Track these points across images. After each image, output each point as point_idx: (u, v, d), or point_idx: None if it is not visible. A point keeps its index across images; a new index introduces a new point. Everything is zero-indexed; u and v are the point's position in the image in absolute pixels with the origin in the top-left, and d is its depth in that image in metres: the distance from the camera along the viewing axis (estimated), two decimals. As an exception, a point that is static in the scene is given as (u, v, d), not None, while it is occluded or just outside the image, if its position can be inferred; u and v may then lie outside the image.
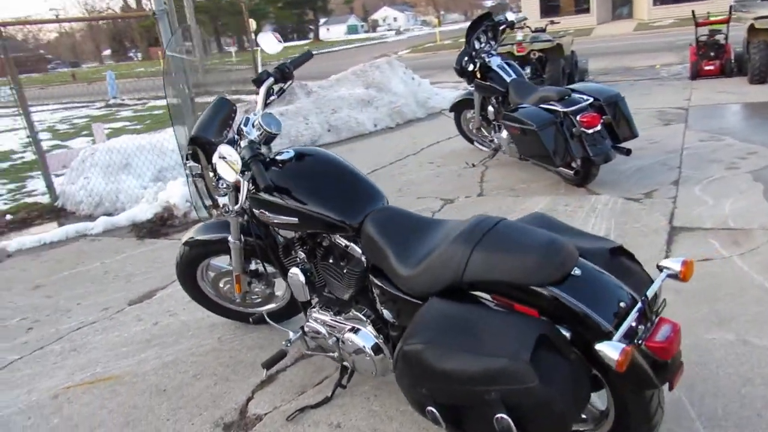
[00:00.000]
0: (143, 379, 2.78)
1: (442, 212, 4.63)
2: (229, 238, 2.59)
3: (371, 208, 2.13)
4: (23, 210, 5.92)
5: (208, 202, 2.58)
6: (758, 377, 2.28)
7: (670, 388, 1.63)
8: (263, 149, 2.29)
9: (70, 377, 2.85)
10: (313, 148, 2.38)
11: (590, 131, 4.46)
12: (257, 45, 2.48)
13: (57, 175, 6.55)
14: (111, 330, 3.30)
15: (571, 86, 4.90)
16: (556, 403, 1.49)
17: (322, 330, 2.35)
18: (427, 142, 7.34)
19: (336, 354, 2.38)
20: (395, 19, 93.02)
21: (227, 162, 2.04)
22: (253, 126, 2.27)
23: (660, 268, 1.68)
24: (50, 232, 5.19)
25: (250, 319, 2.82)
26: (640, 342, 1.54)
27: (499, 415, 1.57)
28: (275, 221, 2.25)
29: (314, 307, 2.44)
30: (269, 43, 2.49)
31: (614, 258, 1.80)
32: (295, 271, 2.34)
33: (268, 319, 2.69)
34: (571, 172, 4.81)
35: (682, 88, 8.63)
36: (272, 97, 2.45)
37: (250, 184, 2.19)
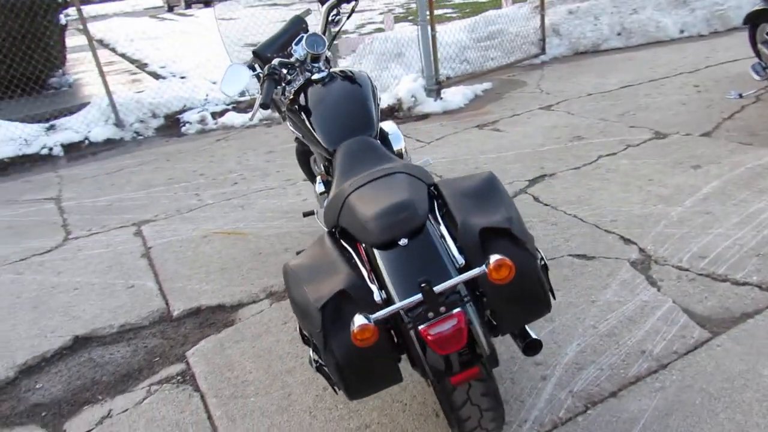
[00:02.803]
0: (256, 241, 3.47)
1: (640, 148, 4.04)
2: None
3: (352, 137, 2.21)
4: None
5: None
6: (725, 403, 1.74)
7: (451, 383, 1.49)
8: (314, 66, 2.53)
9: (222, 226, 3.73)
10: (352, 70, 2.49)
11: None
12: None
13: (342, 58, 7.59)
14: (275, 197, 4.07)
15: None
16: (333, 356, 1.55)
17: None
18: (720, 59, 6.08)
19: None
20: None
21: (232, 80, 2.37)
22: (302, 46, 2.50)
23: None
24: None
25: (303, 213, 3.19)
26: (414, 326, 1.45)
27: (311, 351, 1.70)
28: (296, 134, 2.51)
29: None
30: None
31: (492, 238, 1.60)
32: (317, 182, 2.60)
33: (316, 217, 3.03)
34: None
35: None
36: (337, 17, 2.61)
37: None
